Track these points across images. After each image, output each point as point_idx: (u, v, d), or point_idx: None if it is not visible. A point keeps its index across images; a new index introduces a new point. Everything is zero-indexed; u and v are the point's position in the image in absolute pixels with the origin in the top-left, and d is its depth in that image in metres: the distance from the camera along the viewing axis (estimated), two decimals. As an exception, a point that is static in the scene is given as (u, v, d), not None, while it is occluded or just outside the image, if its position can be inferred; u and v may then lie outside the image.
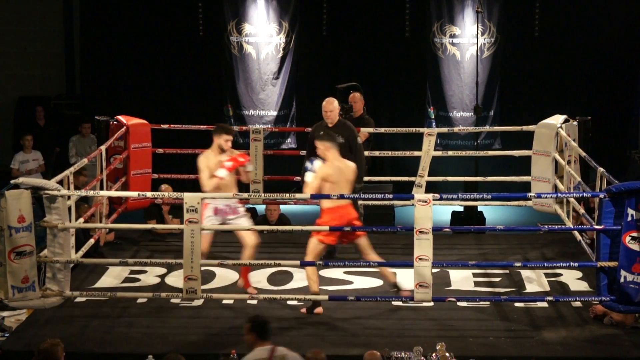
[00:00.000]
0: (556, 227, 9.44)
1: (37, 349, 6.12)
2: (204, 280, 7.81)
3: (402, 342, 7.01)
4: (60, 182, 7.74)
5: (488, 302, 8.04)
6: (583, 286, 8.45)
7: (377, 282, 8.59)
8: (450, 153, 10.99)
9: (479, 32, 12.11)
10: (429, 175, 10.23)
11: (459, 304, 7.98)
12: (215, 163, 8.13)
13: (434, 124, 12.82)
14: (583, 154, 8.79)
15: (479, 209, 11.06)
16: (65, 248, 7.50)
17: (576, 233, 8.71)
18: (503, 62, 12.96)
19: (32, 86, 14.51)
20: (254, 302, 7.98)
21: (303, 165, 8.16)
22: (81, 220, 8.48)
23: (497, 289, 8.48)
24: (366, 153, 10.26)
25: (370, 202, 10.00)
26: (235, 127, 12.34)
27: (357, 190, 9.14)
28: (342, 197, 8.84)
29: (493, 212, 11.51)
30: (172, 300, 7.93)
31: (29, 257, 7.28)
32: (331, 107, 8.93)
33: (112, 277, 8.76)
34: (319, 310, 7.85)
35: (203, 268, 7.56)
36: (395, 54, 13.57)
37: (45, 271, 7.62)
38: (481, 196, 8.45)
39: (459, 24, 12.82)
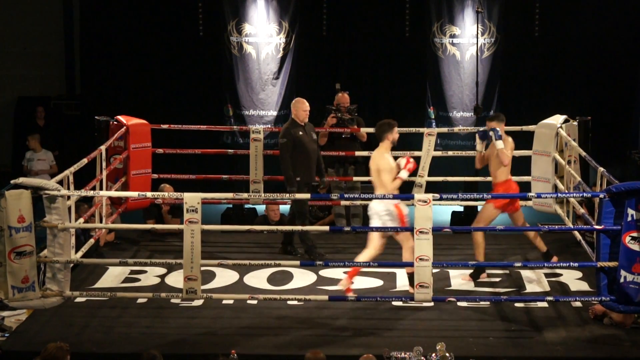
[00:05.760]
0: (556, 227, 9.44)
1: (43, 351, 6.12)
2: (204, 280, 7.81)
3: (402, 342, 7.01)
4: (60, 182, 7.74)
5: (488, 302, 8.05)
6: (583, 286, 8.46)
7: (377, 282, 8.59)
8: (450, 153, 10.98)
9: (479, 32, 12.11)
10: (429, 175, 10.23)
11: (459, 304, 7.98)
12: (392, 164, 8.16)
13: (434, 124, 12.82)
14: (583, 154, 8.79)
15: (479, 209, 11.05)
16: (65, 248, 7.49)
17: (576, 233, 8.71)
18: (503, 62, 12.95)
19: (32, 86, 14.51)
20: (254, 302, 7.98)
21: (482, 133, 8.67)
22: (81, 220, 8.49)
23: (497, 289, 8.48)
24: (364, 153, 10.33)
25: (368, 202, 9.99)
26: (235, 127, 12.36)
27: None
28: (341, 196, 8.87)
29: (493, 212, 11.50)
30: (172, 300, 7.93)
31: (29, 257, 7.27)
32: (308, 107, 9.39)
33: (112, 277, 8.76)
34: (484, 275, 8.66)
35: (203, 268, 7.55)
36: (395, 54, 13.56)
37: (45, 271, 7.62)
38: (481, 196, 8.45)
39: (459, 24, 12.82)
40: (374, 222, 8.07)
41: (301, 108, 9.38)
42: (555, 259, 8.75)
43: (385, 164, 8.08)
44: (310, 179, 9.37)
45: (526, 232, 8.81)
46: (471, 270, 8.66)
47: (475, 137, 8.84)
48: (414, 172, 10.16)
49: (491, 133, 8.54)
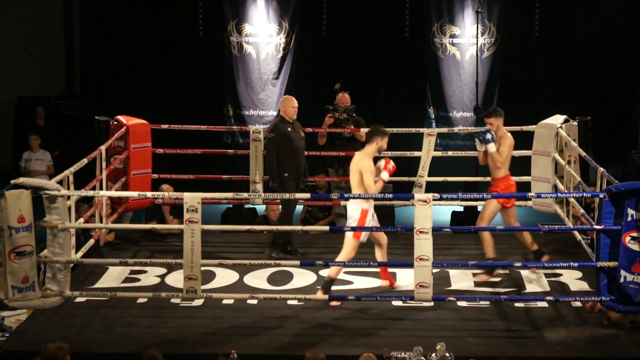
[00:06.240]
0: (556, 227, 9.44)
1: (43, 351, 6.11)
2: (204, 280, 7.81)
3: (402, 342, 7.01)
4: (60, 182, 7.74)
5: (488, 302, 8.05)
6: (583, 286, 8.45)
7: (377, 282, 8.58)
8: (450, 153, 10.98)
9: (479, 32, 12.11)
10: (429, 175, 10.23)
11: (459, 304, 7.98)
12: (373, 166, 8.14)
13: (434, 124, 12.82)
14: (583, 154, 8.79)
15: (479, 209, 11.04)
16: (65, 248, 7.49)
17: (576, 233, 8.71)
18: (503, 62, 12.96)
19: (32, 86, 14.52)
20: (254, 302, 7.98)
21: (475, 135, 8.70)
22: (81, 220, 8.49)
23: (497, 289, 8.48)
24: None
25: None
26: (235, 127, 12.36)
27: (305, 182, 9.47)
28: (341, 196, 8.86)
29: (493, 212, 11.51)
30: (172, 300, 7.93)
31: (29, 257, 7.27)
32: (296, 104, 9.45)
33: (112, 277, 8.76)
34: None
35: (203, 268, 7.56)
36: (395, 54, 13.56)
37: (45, 271, 7.62)
38: (481, 196, 8.45)
39: (459, 24, 12.82)
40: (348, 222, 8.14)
41: (290, 105, 9.42)
42: (546, 257, 8.73)
43: (367, 165, 8.04)
44: (298, 175, 9.37)
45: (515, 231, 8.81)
46: (480, 271, 8.67)
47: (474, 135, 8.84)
48: (413, 172, 10.22)
49: (480, 138, 8.58)
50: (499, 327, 7.58)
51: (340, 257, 8.06)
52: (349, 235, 8.08)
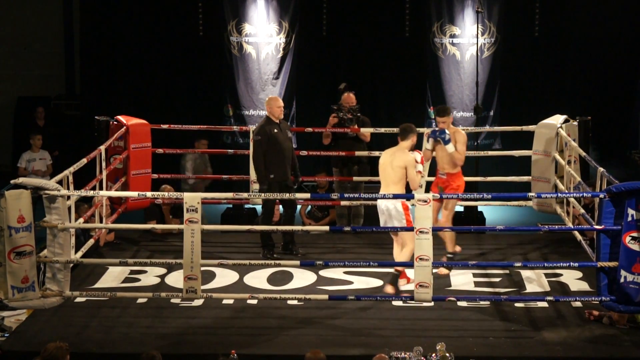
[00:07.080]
0: (556, 227, 9.45)
1: (43, 351, 6.11)
2: (204, 280, 7.81)
3: (402, 342, 7.02)
4: (60, 182, 7.74)
5: (488, 302, 8.05)
6: (583, 286, 8.46)
7: (377, 282, 8.59)
8: (450, 153, 10.96)
9: (479, 32, 12.10)
10: (429, 175, 10.22)
11: (459, 304, 7.98)
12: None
13: (434, 124, 12.79)
14: (583, 154, 8.79)
15: (479, 209, 11.06)
16: (65, 248, 7.50)
17: (576, 233, 8.71)
18: (503, 62, 12.95)
19: (32, 86, 14.52)
20: (254, 302, 7.98)
21: (431, 135, 8.88)
22: (81, 220, 8.49)
23: (497, 289, 8.48)
24: (365, 153, 10.31)
25: (370, 202, 10.01)
26: (235, 127, 12.36)
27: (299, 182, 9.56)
28: (341, 196, 8.86)
29: (493, 212, 11.52)
30: (172, 300, 7.93)
31: (29, 257, 7.27)
32: (282, 104, 9.49)
33: (112, 277, 8.76)
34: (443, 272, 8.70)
35: (203, 268, 7.55)
36: (395, 54, 13.56)
37: (45, 271, 7.62)
38: (481, 196, 8.44)
39: (459, 24, 12.80)
40: (396, 222, 8.15)
41: (275, 105, 9.41)
42: (458, 248, 9.03)
43: (412, 159, 8.27)
44: (285, 177, 9.33)
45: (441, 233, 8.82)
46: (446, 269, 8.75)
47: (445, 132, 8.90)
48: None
49: (440, 139, 8.72)
50: (499, 327, 7.58)
51: (407, 252, 8.11)
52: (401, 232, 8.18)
